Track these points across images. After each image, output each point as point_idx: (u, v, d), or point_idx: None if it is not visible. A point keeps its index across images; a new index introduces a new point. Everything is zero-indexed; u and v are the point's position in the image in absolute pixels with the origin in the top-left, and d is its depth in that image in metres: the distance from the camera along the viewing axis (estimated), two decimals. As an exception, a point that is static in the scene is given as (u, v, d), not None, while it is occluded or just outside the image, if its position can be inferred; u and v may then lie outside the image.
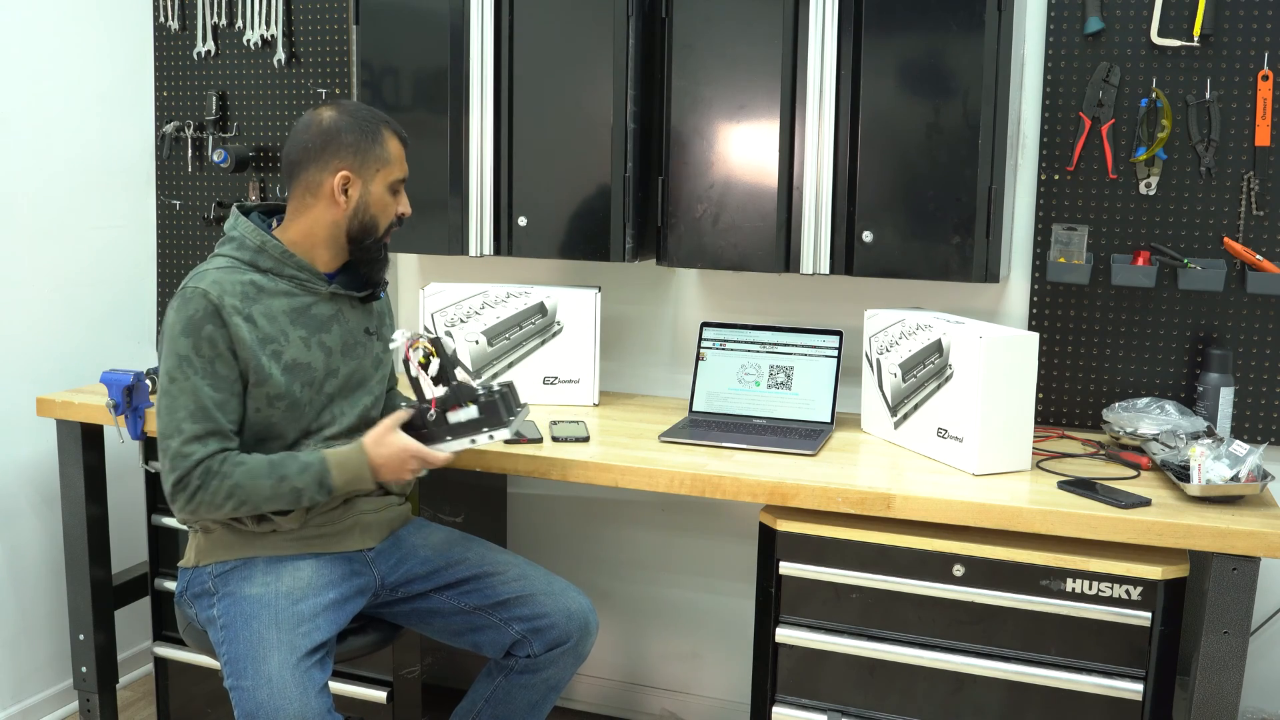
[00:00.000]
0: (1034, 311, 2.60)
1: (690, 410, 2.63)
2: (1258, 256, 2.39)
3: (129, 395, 2.56)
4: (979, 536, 2.06)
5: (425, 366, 2.05)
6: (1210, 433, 2.33)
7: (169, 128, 3.17)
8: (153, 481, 2.72)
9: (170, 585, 2.68)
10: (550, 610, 2.16)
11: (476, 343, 2.70)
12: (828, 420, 2.53)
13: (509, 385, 2.08)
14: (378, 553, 2.17)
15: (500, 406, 2.03)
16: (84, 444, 2.69)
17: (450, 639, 2.24)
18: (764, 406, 2.58)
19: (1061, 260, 2.45)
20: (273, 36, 3.06)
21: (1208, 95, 2.41)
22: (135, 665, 3.21)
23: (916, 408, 2.34)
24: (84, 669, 2.75)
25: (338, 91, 3.02)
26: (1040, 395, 2.57)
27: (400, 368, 2.13)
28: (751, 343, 2.64)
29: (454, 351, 2.14)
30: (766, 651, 2.22)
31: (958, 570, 2.06)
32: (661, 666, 3.06)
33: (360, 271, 2.14)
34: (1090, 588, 2.00)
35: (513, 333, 2.70)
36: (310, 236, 2.08)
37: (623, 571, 3.04)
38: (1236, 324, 2.46)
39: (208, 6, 3.12)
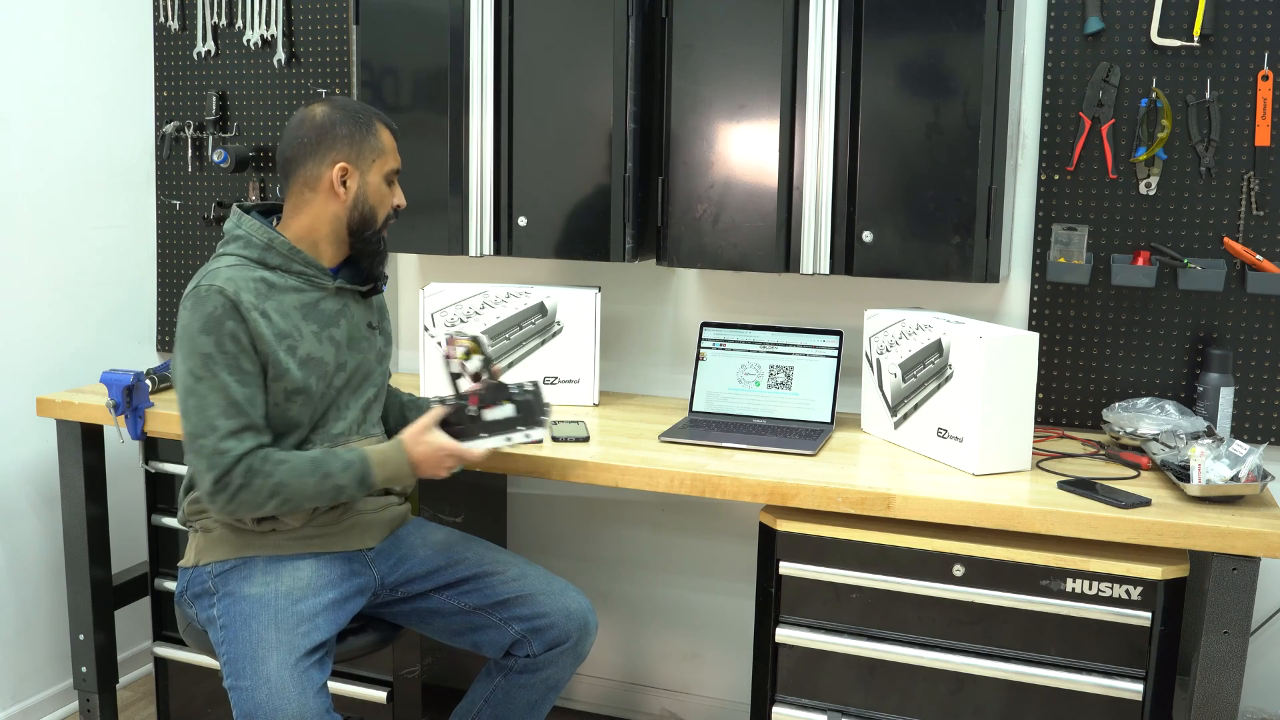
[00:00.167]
0: (1034, 311, 2.60)
1: (690, 410, 2.63)
2: (1258, 256, 2.39)
3: (129, 395, 2.56)
4: (979, 536, 2.06)
5: (465, 364, 2.12)
6: (1210, 433, 2.33)
7: (169, 128, 3.17)
8: (153, 481, 2.72)
9: (170, 585, 2.68)
10: (550, 610, 2.16)
11: (476, 343, 2.70)
12: (828, 420, 2.53)
13: (537, 385, 2.16)
14: (377, 552, 2.17)
15: (535, 406, 2.12)
16: (84, 444, 2.69)
17: (450, 639, 2.24)
18: (764, 406, 2.58)
19: (1061, 260, 2.45)
20: (273, 36, 3.06)
21: (1208, 95, 2.41)
22: (135, 665, 3.21)
23: (916, 408, 2.34)
24: (84, 669, 2.75)
25: (338, 91, 3.01)
26: (1040, 395, 2.57)
27: (443, 367, 2.20)
28: (751, 343, 2.64)
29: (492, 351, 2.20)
30: (766, 651, 2.22)
31: (958, 570, 2.06)
32: (661, 666, 3.06)
33: (361, 266, 2.15)
34: (1090, 588, 1.99)
35: (513, 333, 2.70)
36: (313, 232, 2.09)
37: (623, 571, 3.04)
38: (1236, 324, 2.46)
39: (208, 6, 3.12)
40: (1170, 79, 2.44)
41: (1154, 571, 1.97)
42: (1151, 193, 2.47)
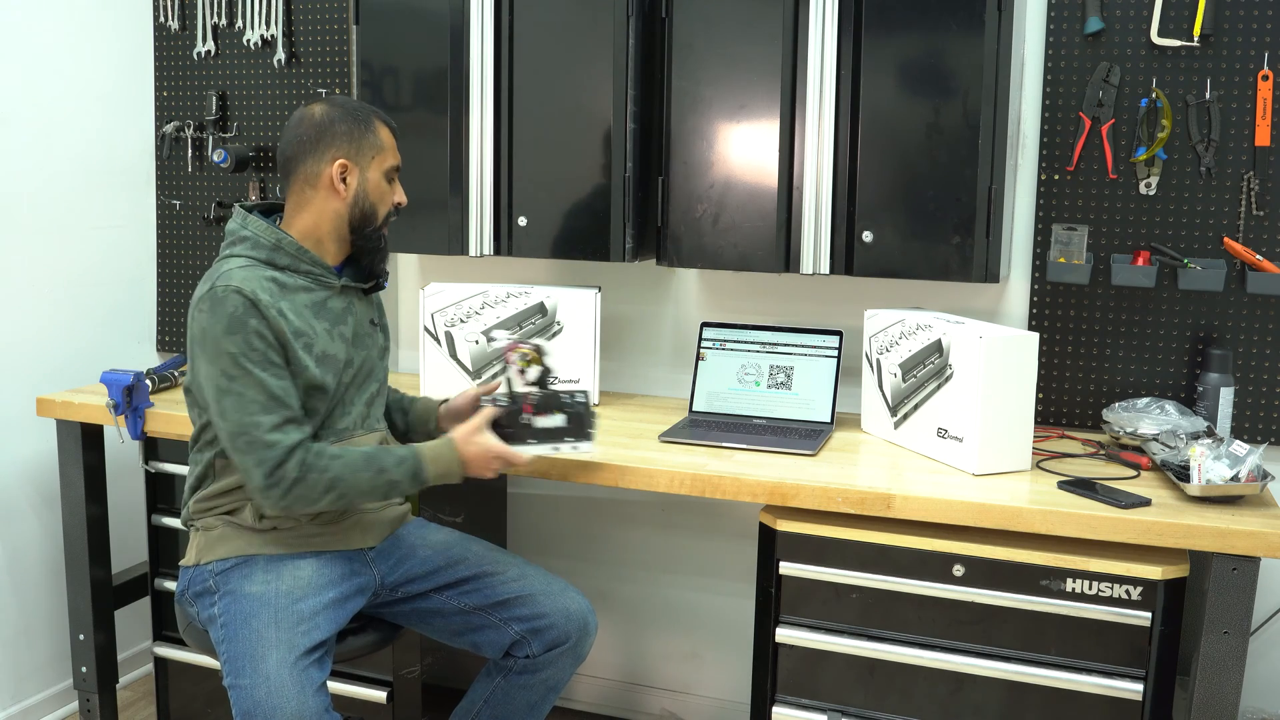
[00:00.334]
0: (1034, 311, 2.60)
1: (690, 410, 2.63)
2: (1258, 256, 2.39)
3: (129, 395, 2.56)
4: (979, 536, 2.06)
5: (524, 371, 2.17)
6: (1210, 433, 2.33)
7: (169, 128, 3.17)
8: (153, 481, 2.72)
9: (170, 585, 2.68)
10: (549, 610, 2.16)
11: (476, 343, 2.70)
12: (828, 420, 2.53)
13: (588, 396, 2.21)
14: (378, 552, 2.18)
15: (585, 419, 2.15)
16: (84, 444, 2.69)
17: (449, 639, 2.24)
18: (764, 406, 2.58)
19: (1061, 260, 2.45)
20: (273, 36, 3.06)
21: (1208, 95, 2.41)
22: (135, 665, 3.22)
23: (916, 408, 2.34)
24: (84, 669, 2.75)
25: (338, 91, 3.01)
26: (1040, 395, 2.57)
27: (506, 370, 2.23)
28: (751, 343, 2.64)
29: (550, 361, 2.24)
30: (766, 651, 2.22)
31: (958, 570, 2.06)
32: (661, 666, 3.06)
33: (362, 263, 2.15)
34: (1090, 588, 1.99)
35: (513, 333, 2.70)
36: (316, 230, 2.09)
37: (623, 571, 3.04)
38: (1236, 324, 2.45)
39: (208, 6, 3.12)
40: (1170, 79, 2.44)
41: (1154, 571, 1.96)
42: (1151, 193, 2.47)
